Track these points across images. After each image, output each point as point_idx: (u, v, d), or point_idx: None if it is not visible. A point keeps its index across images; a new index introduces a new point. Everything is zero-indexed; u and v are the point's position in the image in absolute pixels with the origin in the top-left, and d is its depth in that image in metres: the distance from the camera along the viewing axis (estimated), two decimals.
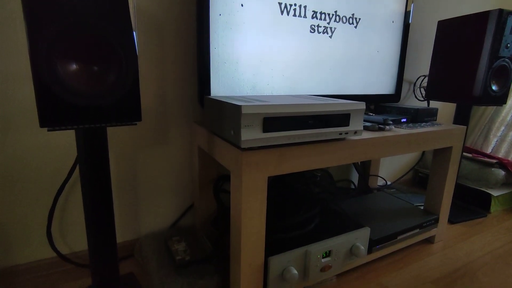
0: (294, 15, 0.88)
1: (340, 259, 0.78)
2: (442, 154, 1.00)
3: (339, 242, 0.76)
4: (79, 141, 0.56)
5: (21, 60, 0.71)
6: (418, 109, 1.00)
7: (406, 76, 1.42)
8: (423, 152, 1.59)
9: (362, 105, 0.69)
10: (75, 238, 0.85)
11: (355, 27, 1.00)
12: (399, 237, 0.93)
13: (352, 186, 1.38)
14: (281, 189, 0.91)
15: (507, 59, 1.03)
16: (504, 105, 1.51)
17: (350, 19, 0.99)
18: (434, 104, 1.57)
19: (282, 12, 0.86)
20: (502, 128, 1.53)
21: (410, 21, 1.13)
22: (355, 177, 1.39)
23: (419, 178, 1.60)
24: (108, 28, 0.48)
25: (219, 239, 0.89)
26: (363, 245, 0.81)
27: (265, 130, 0.59)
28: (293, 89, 0.93)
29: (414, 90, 1.46)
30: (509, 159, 1.41)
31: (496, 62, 1.02)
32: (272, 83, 0.89)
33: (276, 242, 0.74)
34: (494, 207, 1.31)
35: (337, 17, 0.96)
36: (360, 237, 0.81)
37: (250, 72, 0.85)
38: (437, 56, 1.17)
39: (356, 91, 1.07)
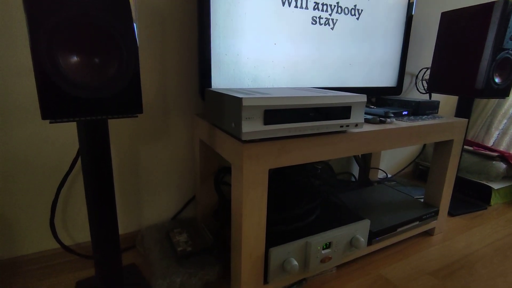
0: (296, 6, 0.87)
1: (340, 251, 0.79)
2: (443, 147, 0.99)
3: (339, 234, 0.77)
4: (81, 133, 0.56)
5: (22, 53, 0.71)
6: (419, 102, 1.00)
7: (408, 68, 1.41)
8: (424, 145, 1.59)
9: (363, 98, 0.69)
10: (77, 229, 0.86)
11: (357, 18, 0.99)
12: (398, 229, 0.93)
13: (353, 179, 1.38)
14: (281, 181, 0.91)
15: (511, 51, 1.02)
16: (506, 98, 1.50)
17: (352, 11, 0.98)
18: (436, 97, 1.57)
19: (283, 4, 0.85)
20: (504, 121, 1.53)
21: (413, 13, 1.11)
22: (355, 169, 1.39)
23: (420, 171, 1.61)
24: (109, 19, 0.48)
25: (220, 230, 0.90)
26: (363, 237, 0.81)
27: (266, 122, 0.59)
28: (294, 82, 0.93)
29: (416, 83, 1.45)
30: (511, 152, 1.41)
31: (499, 54, 1.01)
32: (273, 75, 0.89)
33: (277, 234, 0.75)
34: (495, 200, 1.31)
35: (339, 9, 0.95)
36: (360, 229, 0.81)
37: (251, 64, 0.85)
38: (440, 48, 1.16)
39: (357, 84, 1.06)
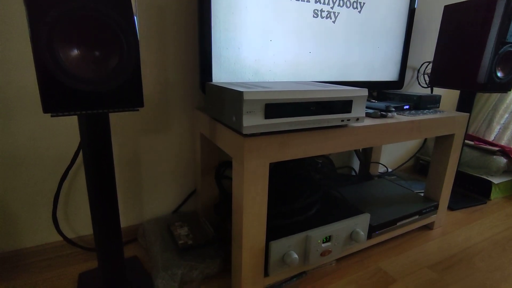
0: None
1: (340, 244, 0.79)
2: (444, 141, 0.99)
3: (339, 228, 0.78)
4: (82, 127, 0.56)
5: (22, 46, 0.71)
6: (421, 96, 0.99)
7: (410, 62, 1.41)
8: (425, 140, 1.59)
9: (364, 92, 0.69)
10: (80, 222, 0.87)
11: (359, 11, 0.98)
12: (398, 223, 0.94)
13: (353, 173, 1.38)
14: (282, 175, 0.92)
15: None
16: (508, 92, 1.49)
17: (354, 4, 0.97)
18: (437, 91, 1.56)
19: None
20: (506, 115, 1.52)
21: (415, 6, 1.10)
22: (356, 164, 1.39)
23: (420, 165, 1.61)
24: (109, 12, 0.47)
25: (221, 224, 0.91)
26: (362, 230, 0.82)
27: (267, 116, 0.59)
28: (295, 75, 0.93)
29: (417, 77, 1.45)
30: None
31: (502, 48, 1.00)
32: (274, 69, 0.89)
33: (277, 227, 0.75)
34: (495, 194, 1.31)
35: (341, 1, 0.94)
36: (360, 223, 0.82)
37: (252, 58, 0.85)
38: (442, 42, 1.15)
39: (358, 78, 1.06)
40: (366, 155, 1.35)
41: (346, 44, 0.99)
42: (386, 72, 1.12)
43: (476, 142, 1.46)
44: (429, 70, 1.41)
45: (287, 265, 0.71)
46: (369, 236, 0.88)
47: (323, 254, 0.76)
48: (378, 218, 0.91)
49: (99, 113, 0.56)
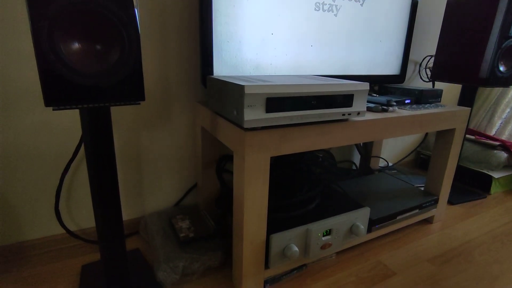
0: None
1: (340, 238, 0.80)
2: (445, 136, 0.99)
3: (339, 221, 0.78)
4: (84, 121, 0.56)
5: (23, 39, 0.71)
6: (422, 90, 0.99)
7: (412, 56, 1.40)
8: (426, 134, 1.59)
9: (365, 86, 0.68)
10: (82, 215, 0.88)
11: (361, 5, 0.98)
12: (398, 217, 0.94)
13: (354, 167, 1.39)
14: (283, 169, 0.92)
15: None
16: (510, 86, 1.48)
17: None
18: (439, 85, 1.55)
19: None
20: (508, 110, 1.52)
21: None
22: (356, 158, 1.40)
23: (421, 159, 1.61)
24: (110, 6, 0.47)
25: (222, 217, 0.91)
26: (362, 224, 0.83)
27: (268, 110, 0.59)
28: (297, 69, 0.92)
29: (419, 71, 1.44)
30: None
31: (505, 42, 1.00)
32: (275, 63, 0.88)
33: (278, 221, 0.76)
34: (495, 189, 1.32)
35: None
36: (360, 217, 0.82)
37: (253, 52, 0.84)
38: (445, 35, 1.14)
39: (360, 72, 1.05)
40: (367, 149, 1.35)
41: (347, 38, 0.99)
42: (388, 66, 1.12)
43: (477, 137, 1.46)
44: (431, 64, 1.40)
45: (288, 258, 0.72)
46: (369, 230, 0.89)
47: (323, 247, 0.77)
48: (378, 212, 0.91)
49: (101, 107, 0.56)
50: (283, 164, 0.93)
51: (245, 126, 0.58)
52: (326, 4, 0.91)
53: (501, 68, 1.04)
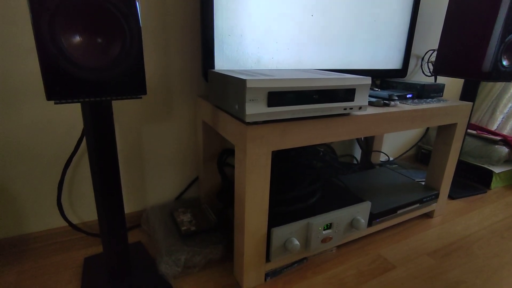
0: None
1: (340, 232, 0.80)
2: (446, 130, 0.99)
3: (340, 215, 0.79)
4: (85, 114, 0.56)
5: (24, 32, 0.70)
6: (424, 84, 0.98)
7: (414, 50, 1.39)
8: (427, 128, 1.58)
9: (367, 80, 0.68)
10: (84, 208, 0.88)
11: None
12: (399, 212, 0.95)
13: (355, 162, 1.39)
14: (284, 163, 0.92)
15: None
16: None
17: None
18: (441, 79, 1.54)
19: None
20: (510, 105, 1.51)
21: None
22: (357, 152, 1.40)
23: (422, 154, 1.61)
24: None
25: (223, 211, 0.92)
26: (363, 218, 0.83)
27: (270, 104, 0.59)
28: (298, 63, 0.92)
29: (421, 65, 1.43)
30: None
31: (509, 36, 0.99)
32: (276, 57, 0.88)
33: (279, 214, 0.76)
34: (495, 184, 1.32)
35: None
36: (360, 211, 0.83)
37: (255, 46, 0.84)
38: (448, 29, 1.13)
39: (362, 66, 1.05)
40: (368, 144, 1.35)
41: (349, 31, 0.98)
42: (390, 60, 1.11)
43: (479, 132, 1.45)
44: (433, 59, 1.40)
45: (289, 251, 0.73)
46: (370, 224, 0.90)
47: (324, 241, 0.78)
48: (378, 206, 0.92)
49: (102, 101, 0.56)
50: (284, 158, 0.93)
51: (247, 120, 0.58)
52: None
53: (504, 62, 1.03)
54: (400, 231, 0.98)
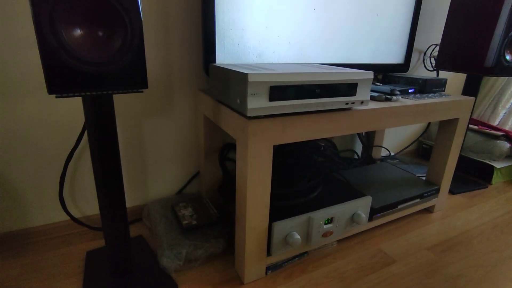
0: None
1: (341, 226, 0.81)
2: (448, 125, 0.99)
3: (341, 210, 0.79)
4: (87, 108, 0.56)
5: (25, 25, 0.70)
6: (426, 79, 0.98)
7: (417, 45, 1.38)
8: (428, 123, 1.58)
9: (369, 75, 0.68)
10: (86, 202, 0.89)
11: None
12: (399, 206, 0.95)
13: (356, 157, 1.39)
14: (285, 158, 0.92)
15: None
16: None
17: None
18: (443, 74, 1.54)
19: None
20: None
21: None
22: (358, 147, 1.40)
23: (423, 149, 1.61)
24: None
25: (224, 205, 0.92)
26: (364, 213, 0.83)
27: (272, 98, 0.59)
28: (300, 57, 0.91)
29: (424, 60, 1.42)
30: None
31: None
32: (278, 51, 0.87)
33: (280, 209, 0.76)
34: (496, 179, 1.32)
35: None
36: (361, 206, 0.83)
37: (256, 39, 0.83)
38: (451, 23, 1.12)
39: (364, 60, 1.04)
40: (369, 139, 1.35)
41: (351, 25, 0.97)
42: (392, 54, 1.10)
43: (480, 127, 1.45)
44: (435, 53, 1.39)
45: (290, 245, 0.73)
46: (370, 219, 0.90)
47: (324, 235, 0.78)
48: (379, 201, 0.92)
49: (103, 94, 0.56)
50: (286, 153, 0.93)
51: (248, 114, 0.58)
52: None
53: (508, 57, 1.02)
54: (400, 226, 0.98)
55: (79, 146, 0.83)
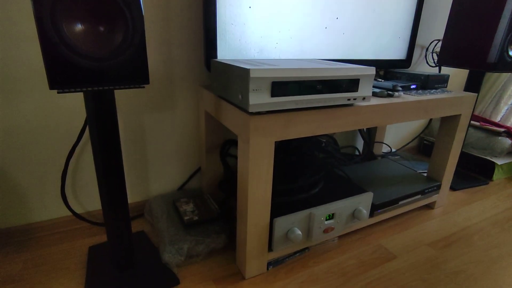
0: None
1: (342, 222, 0.81)
2: (449, 122, 0.99)
3: (342, 206, 0.79)
4: (88, 103, 0.56)
5: (26, 21, 0.69)
6: (428, 75, 0.97)
7: (419, 40, 1.37)
8: (430, 120, 1.58)
9: (371, 70, 0.67)
10: (87, 198, 0.89)
11: None
12: (400, 203, 0.95)
13: (357, 153, 1.39)
14: (287, 154, 0.92)
15: None
16: None
17: None
18: (445, 70, 1.53)
19: None
20: None
21: None
22: (360, 143, 1.39)
23: (424, 145, 1.61)
24: None
25: (226, 201, 0.93)
26: (365, 209, 0.83)
27: (273, 94, 0.59)
28: (301, 53, 0.91)
29: (426, 56, 1.41)
30: None
31: None
32: (279, 46, 0.87)
33: (282, 204, 0.77)
34: (497, 175, 1.32)
35: None
36: (362, 202, 0.83)
37: (258, 35, 0.83)
38: (454, 19, 1.11)
39: (366, 56, 1.04)
40: (370, 135, 1.35)
41: (353, 21, 0.96)
42: (394, 50, 1.10)
43: (482, 123, 1.44)
44: (438, 49, 1.38)
45: (291, 241, 0.73)
46: (371, 215, 0.90)
47: (326, 231, 0.78)
48: (380, 197, 0.92)
49: (105, 90, 0.55)
50: (287, 149, 0.93)
51: (250, 110, 0.58)
52: None
53: (511, 53, 1.02)
54: (401, 222, 0.98)
55: (81, 142, 0.83)
